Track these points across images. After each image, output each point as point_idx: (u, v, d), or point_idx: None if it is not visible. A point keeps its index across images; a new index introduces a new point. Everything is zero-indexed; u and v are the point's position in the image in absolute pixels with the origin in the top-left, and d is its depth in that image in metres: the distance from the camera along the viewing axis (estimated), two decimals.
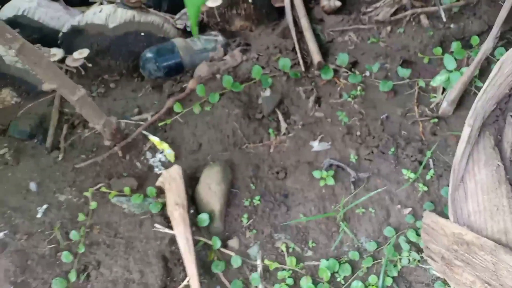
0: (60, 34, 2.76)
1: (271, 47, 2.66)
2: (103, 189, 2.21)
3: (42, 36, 2.79)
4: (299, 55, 2.55)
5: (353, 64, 2.52)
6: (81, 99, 2.02)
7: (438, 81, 2.32)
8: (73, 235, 2.09)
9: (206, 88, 2.47)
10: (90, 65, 2.68)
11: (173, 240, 2.05)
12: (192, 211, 2.13)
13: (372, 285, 1.94)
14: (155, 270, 1.99)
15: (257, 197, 2.19)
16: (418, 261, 1.98)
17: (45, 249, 2.08)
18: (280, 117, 2.42)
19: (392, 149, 2.21)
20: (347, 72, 2.48)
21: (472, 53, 2.39)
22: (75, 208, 2.18)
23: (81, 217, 2.14)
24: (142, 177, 2.28)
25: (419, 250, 1.99)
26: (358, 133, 2.29)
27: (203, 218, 2.11)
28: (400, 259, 1.99)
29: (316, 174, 2.18)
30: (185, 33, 2.85)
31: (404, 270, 1.99)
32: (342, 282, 1.98)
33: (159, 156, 2.34)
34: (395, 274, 1.97)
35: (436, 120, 2.28)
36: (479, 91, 1.93)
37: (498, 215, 1.76)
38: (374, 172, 2.19)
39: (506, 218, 1.75)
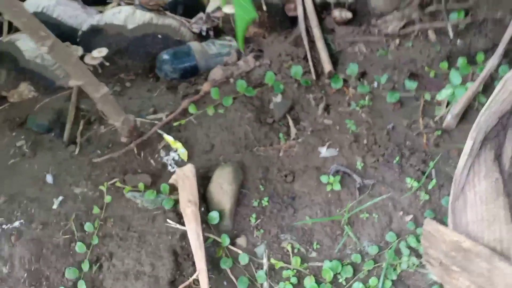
0: (80, 32, 2.86)
1: (283, 54, 2.75)
2: (118, 184, 2.30)
3: (60, 33, 2.83)
4: (310, 63, 2.64)
5: (362, 75, 2.62)
6: (104, 97, 2.12)
7: (443, 95, 2.41)
8: (88, 226, 2.18)
9: (220, 91, 2.56)
10: (107, 63, 2.78)
11: (184, 236, 2.14)
12: (203, 209, 2.22)
13: (373, 287, 2.03)
14: (166, 264, 2.09)
15: (266, 199, 2.28)
16: (417, 266, 2.07)
17: (59, 239, 2.17)
18: (290, 123, 2.51)
19: (397, 158, 2.30)
20: (356, 82, 2.58)
21: (477, 69, 2.48)
22: (90, 201, 2.27)
23: (95, 209, 2.23)
24: (156, 174, 2.37)
25: (419, 256, 2.08)
26: (365, 141, 2.38)
27: (214, 216, 2.20)
28: (400, 263, 2.08)
29: (323, 179, 2.27)
30: (200, 37, 2.94)
31: (403, 274, 2.09)
32: (344, 283, 2.07)
33: (172, 154, 2.43)
34: (395, 277, 2.06)
35: (440, 132, 2.37)
36: (482, 106, 2.01)
37: (494, 225, 1.85)
38: (379, 179, 2.28)
39: (502, 228, 1.84)
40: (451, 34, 2.65)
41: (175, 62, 2.73)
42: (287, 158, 2.41)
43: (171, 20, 2.88)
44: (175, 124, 2.52)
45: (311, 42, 2.76)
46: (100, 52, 2.70)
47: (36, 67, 2.73)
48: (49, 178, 2.36)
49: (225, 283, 2.12)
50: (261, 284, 2.10)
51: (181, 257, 2.12)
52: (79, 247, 2.14)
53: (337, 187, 2.24)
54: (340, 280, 2.08)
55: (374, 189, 2.27)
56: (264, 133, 2.48)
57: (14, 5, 1.73)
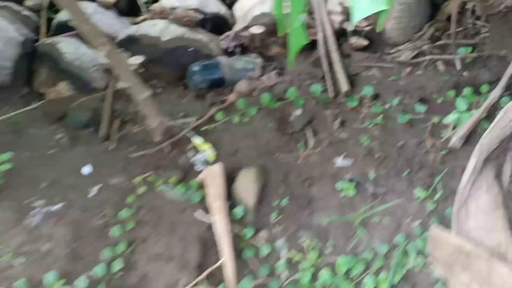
0: (117, 40, 3.10)
1: (303, 73, 3.00)
2: (151, 178, 2.52)
3: None
4: (329, 83, 2.89)
5: (376, 96, 2.85)
6: (146, 99, 2.37)
7: (450, 119, 2.65)
8: (123, 213, 2.37)
9: (245, 102, 2.81)
10: (141, 70, 3.01)
11: (210, 227, 2.33)
12: (228, 204, 2.44)
13: (383, 280, 2.25)
14: (194, 250, 2.28)
15: (285, 199, 2.49)
16: (423, 265, 2.28)
17: (97, 223, 2.36)
18: (309, 134, 2.74)
19: (406, 172, 2.53)
20: (370, 102, 2.82)
21: (481, 99, 2.71)
22: (125, 191, 2.46)
23: (129, 199, 2.42)
24: (184, 172, 2.58)
25: (425, 257, 2.29)
26: (377, 155, 2.61)
27: (238, 211, 2.41)
28: (408, 262, 2.30)
29: (339, 185, 2.49)
30: (227, 52, 3.19)
31: (410, 272, 2.28)
32: (357, 276, 2.29)
33: (200, 155, 2.65)
34: (402, 274, 2.27)
35: (446, 151, 2.59)
36: (484, 131, 2.21)
37: (493, 232, 2.08)
38: (390, 189, 2.49)
39: (500, 235, 2.06)
40: (458, 66, 2.91)
41: (205, 73, 2.97)
42: (305, 165, 2.63)
43: (201, 36, 3.13)
44: (203, 128, 2.74)
45: (330, 64, 3.01)
46: (137, 60, 2.94)
47: (74, 69, 2.96)
48: (86, 169, 2.57)
49: (245, 271, 2.32)
50: (280, 273, 2.30)
51: (207, 246, 2.31)
52: (114, 231, 2.32)
53: (351, 193, 2.47)
54: (352, 274, 2.28)
55: (385, 197, 2.48)
56: (285, 142, 2.71)
57: (81, 14, 1.98)
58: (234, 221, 2.40)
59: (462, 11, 3.08)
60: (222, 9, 3.42)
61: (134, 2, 3.57)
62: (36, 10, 3.35)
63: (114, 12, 3.39)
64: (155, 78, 3.07)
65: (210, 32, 3.28)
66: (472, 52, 2.96)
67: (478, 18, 3.05)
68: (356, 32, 3.15)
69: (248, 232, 2.38)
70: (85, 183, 2.50)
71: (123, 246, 2.29)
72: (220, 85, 3.01)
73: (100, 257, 2.26)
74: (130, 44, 3.06)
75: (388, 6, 1.14)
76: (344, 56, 3.09)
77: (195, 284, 2.19)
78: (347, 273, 2.29)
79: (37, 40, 3.16)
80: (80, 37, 3.07)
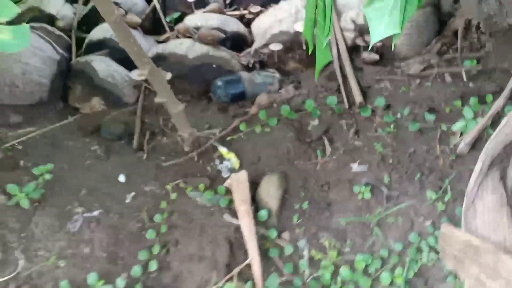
0: None
1: (319, 86, 3.21)
2: (181, 185, 2.73)
3: (125, 57, 3.30)
4: (343, 94, 3.10)
5: (387, 107, 3.05)
6: (180, 112, 2.59)
7: (457, 126, 2.84)
8: (157, 217, 2.58)
9: (266, 113, 3.02)
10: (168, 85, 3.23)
11: (237, 229, 2.53)
12: (253, 207, 2.63)
13: (398, 275, 2.44)
14: (223, 251, 2.48)
15: (306, 203, 2.68)
16: (435, 260, 2.46)
17: (133, 227, 2.56)
18: (326, 143, 2.94)
19: (418, 176, 2.72)
20: (382, 112, 3.02)
21: (486, 108, 2.89)
22: (158, 197, 2.67)
23: (163, 204, 2.63)
24: (212, 179, 2.80)
25: (437, 253, 2.47)
26: (390, 161, 2.80)
27: (263, 214, 2.62)
28: (421, 258, 2.48)
29: (356, 189, 2.69)
30: (248, 68, 3.41)
31: (423, 267, 2.47)
32: (374, 272, 2.47)
33: (226, 163, 2.86)
34: (417, 269, 2.45)
35: (454, 156, 2.77)
36: (489, 138, 2.42)
37: (499, 229, 2.26)
38: (403, 192, 2.68)
39: (505, 231, 2.25)
40: (464, 78, 3.11)
41: (227, 87, 3.19)
42: (323, 172, 2.83)
43: (224, 53, 3.35)
44: (227, 138, 2.96)
45: (343, 77, 3.22)
46: (166, 76, 3.15)
47: (107, 85, 3.19)
48: (121, 178, 2.78)
49: (271, 269, 2.51)
50: (303, 271, 2.50)
51: (235, 246, 2.51)
52: (150, 234, 2.52)
53: (367, 196, 2.66)
54: (370, 271, 2.47)
55: (399, 199, 2.67)
56: (303, 150, 2.91)
57: (130, 37, 2.20)
58: (259, 224, 2.60)
59: (467, 27, 3.29)
60: (241, 28, 3.65)
61: (158, 21, 3.81)
62: (66, 30, 3.57)
63: (140, 31, 3.60)
64: (180, 93, 3.27)
65: (230, 49, 3.49)
66: (477, 65, 3.16)
67: (482, 33, 3.25)
68: (368, 47, 3.36)
69: (272, 234, 2.58)
70: (121, 191, 2.72)
71: (157, 248, 2.49)
72: (241, 98, 3.23)
73: (136, 258, 2.46)
74: (158, 61, 3.26)
75: (401, 30, 1.35)
76: (357, 69, 3.30)
77: (226, 281, 2.39)
78: (365, 269, 2.49)
79: (70, 59, 3.39)
80: (110, 55, 3.32)
